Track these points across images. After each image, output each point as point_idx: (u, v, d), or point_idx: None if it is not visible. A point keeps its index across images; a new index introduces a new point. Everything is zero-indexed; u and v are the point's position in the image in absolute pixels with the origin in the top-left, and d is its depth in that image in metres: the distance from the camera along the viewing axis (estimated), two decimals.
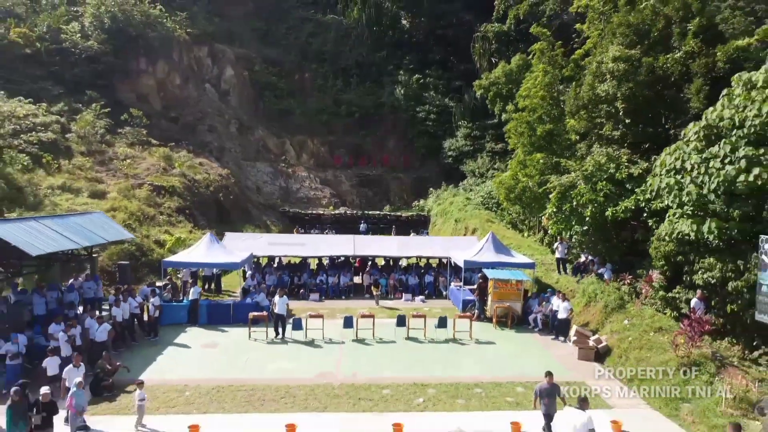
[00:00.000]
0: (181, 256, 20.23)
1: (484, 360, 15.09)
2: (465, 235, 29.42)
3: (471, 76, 44.35)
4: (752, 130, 12.87)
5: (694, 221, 13.67)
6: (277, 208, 41.38)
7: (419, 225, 40.90)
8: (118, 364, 12.91)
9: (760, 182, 12.30)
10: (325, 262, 25.96)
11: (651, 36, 19.71)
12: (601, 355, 14.88)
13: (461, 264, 20.59)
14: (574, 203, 19.06)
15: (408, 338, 16.72)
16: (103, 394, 12.14)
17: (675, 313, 15.02)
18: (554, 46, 25.95)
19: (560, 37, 29.27)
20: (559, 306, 16.79)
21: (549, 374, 10.42)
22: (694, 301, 13.83)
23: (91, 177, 28.70)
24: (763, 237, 11.85)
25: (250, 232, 29.46)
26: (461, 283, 21.65)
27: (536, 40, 26.74)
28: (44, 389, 9.53)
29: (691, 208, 14.14)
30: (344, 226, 38.52)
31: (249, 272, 22.59)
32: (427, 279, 23.75)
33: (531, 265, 20.51)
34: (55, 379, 11.40)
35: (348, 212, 42.15)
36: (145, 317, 16.74)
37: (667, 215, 15.15)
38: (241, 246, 22.39)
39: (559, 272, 20.98)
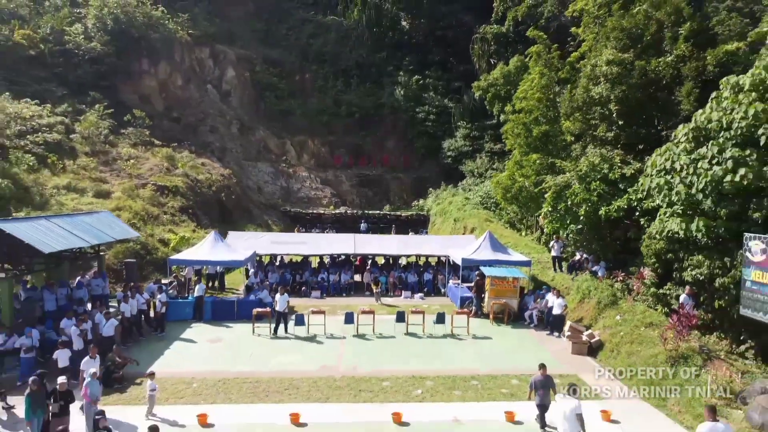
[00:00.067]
0: (187, 254, 20.72)
1: (480, 354, 15.56)
2: (464, 234, 29.89)
3: (470, 77, 44.79)
4: (739, 132, 13.34)
5: (684, 220, 14.15)
6: (279, 207, 41.87)
7: (419, 224, 41.38)
8: (127, 357, 13.40)
9: (746, 182, 12.76)
10: (326, 260, 26.50)
11: (644, 40, 20.23)
12: (593, 350, 15.38)
13: (459, 262, 21.08)
14: (569, 203, 19.56)
15: (407, 334, 17.20)
16: (113, 386, 12.60)
17: (666, 309, 15.51)
18: (550, 49, 26.45)
19: (558, 39, 29.81)
20: (554, 302, 17.29)
21: (542, 366, 10.92)
22: (682, 297, 14.32)
23: (96, 177, 29.16)
24: (747, 235, 12.34)
25: (252, 231, 29.93)
26: (459, 281, 22.14)
27: (534, 42, 27.24)
28: (61, 379, 10.03)
29: (681, 207, 14.60)
30: (345, 225, 39.09)
31: (252, 270, 23.07)
32: (426, 277, 24.25)
33: (527, 263, 20.99)
34: (65, 371, 11.85)
35: (348, 212, 42.65)
36: (152, 313, 17.24)
37: (658, 214, 15.63)
38: (244, 244, 22.87)
39: (555, 270, 21.45)
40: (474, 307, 19.48)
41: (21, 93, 32.03)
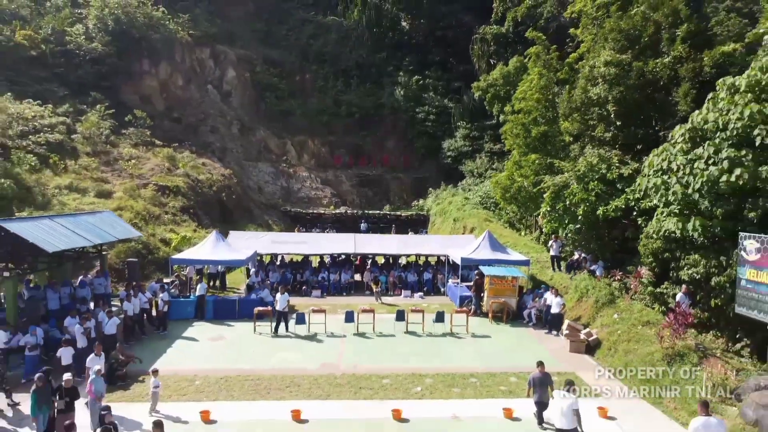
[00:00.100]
0: (189, 254, 20.88)
1: (479, 352, 15.71)
2: (463, 233, 30.06)
3: (470, 77, 44.95)
4: (734, 132, 13.51)
5: (680, 219, 14.32)
6: (279, 207, 42.05)
7: (418, 224, 41.55)
8: (130, 354, 13.56)
9: (741, 182, 12.91)
10: (327, 259, 26.67)
11: (641, 41, 20.39)
12: (591, 348, 15.54)
13: (458, 261, 21.24)
14: (567, 203, 19.73)
15: (407, 332, 17.36)
16: (117, 383, 12.76)
17: (663, 307, 15.67)
18: (549, 50, 26.62)
19: (557, 40, 29.97)
20: (552, 301, 17.46)
21: (540, 364, 11.08)
22: (679, 296, 14.49)
23: (97, 177, 29.33)
24: (742, 234, 12.51)
25: (252, 231, 30.10)
26: (458, 280, 22.29)
27: (533, 42, 27.41)
28: (67, 375, 10.18)
29: (678, 207, 14.76)
30: (345, 225, 39.29)
31: (253, 269, 23.23)
32: (425, 276, 24.41)
33: (526, 263, 21.15)
34: (68, 368, 11.99)
35: (348, 212, 42.83)
36: (154, 312, 17.40)
37: (655, 214, 15.80)
38: (245, 244, 23.04)
39: (554, 269, 21.61)
40: (473, 306, 19.64)
41: (22, 93, 32.21)
